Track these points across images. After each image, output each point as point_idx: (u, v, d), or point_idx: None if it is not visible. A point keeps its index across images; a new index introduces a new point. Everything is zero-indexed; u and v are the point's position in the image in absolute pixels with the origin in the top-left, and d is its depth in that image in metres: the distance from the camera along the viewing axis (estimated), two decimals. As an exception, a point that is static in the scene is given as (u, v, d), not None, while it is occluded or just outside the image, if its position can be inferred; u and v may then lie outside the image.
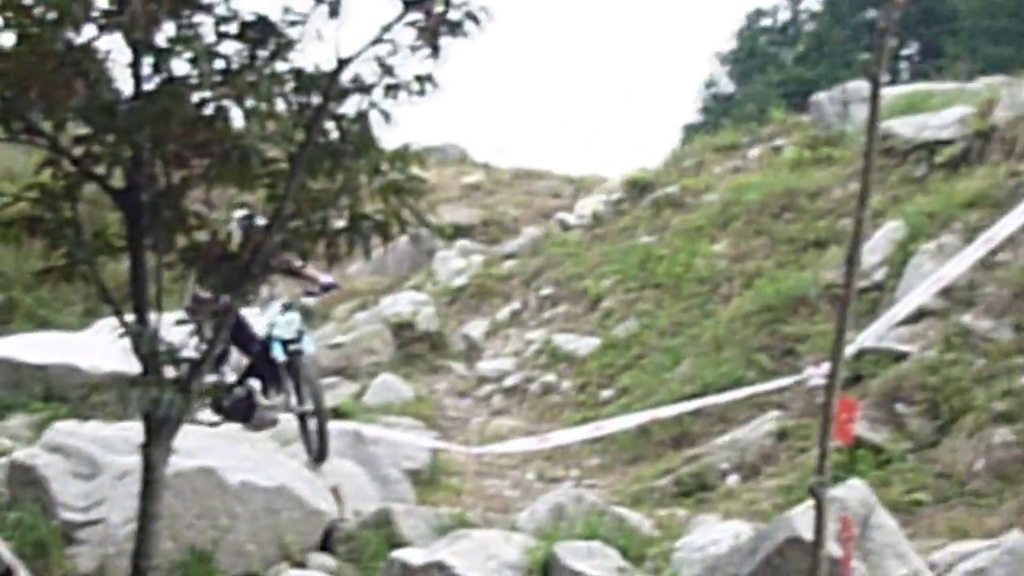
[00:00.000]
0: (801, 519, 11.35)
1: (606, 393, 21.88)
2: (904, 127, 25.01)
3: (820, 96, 29.58)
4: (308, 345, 16.88)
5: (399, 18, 9.76)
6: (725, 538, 13.71)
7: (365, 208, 10.11)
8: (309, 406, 16.41)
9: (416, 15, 9.74)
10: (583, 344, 23.33)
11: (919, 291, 19.47)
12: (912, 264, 20.80)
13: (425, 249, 27.58)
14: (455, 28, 9.74)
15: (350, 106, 9.92)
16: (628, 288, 24.40)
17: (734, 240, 24.59)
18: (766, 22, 63.05)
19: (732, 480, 18.15)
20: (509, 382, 23.11)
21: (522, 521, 15.53)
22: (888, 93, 27.13)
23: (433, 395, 22.05)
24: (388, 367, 21.94)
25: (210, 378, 16.12)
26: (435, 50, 9.75)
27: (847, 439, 14.35)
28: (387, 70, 9.85)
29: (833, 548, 10.31)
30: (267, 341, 16.49)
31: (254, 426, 16.51)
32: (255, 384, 16.43)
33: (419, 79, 9.82)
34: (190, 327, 10.12)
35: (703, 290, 23.50)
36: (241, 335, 16.69)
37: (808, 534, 10.07)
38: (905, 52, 52.80)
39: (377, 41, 9.80)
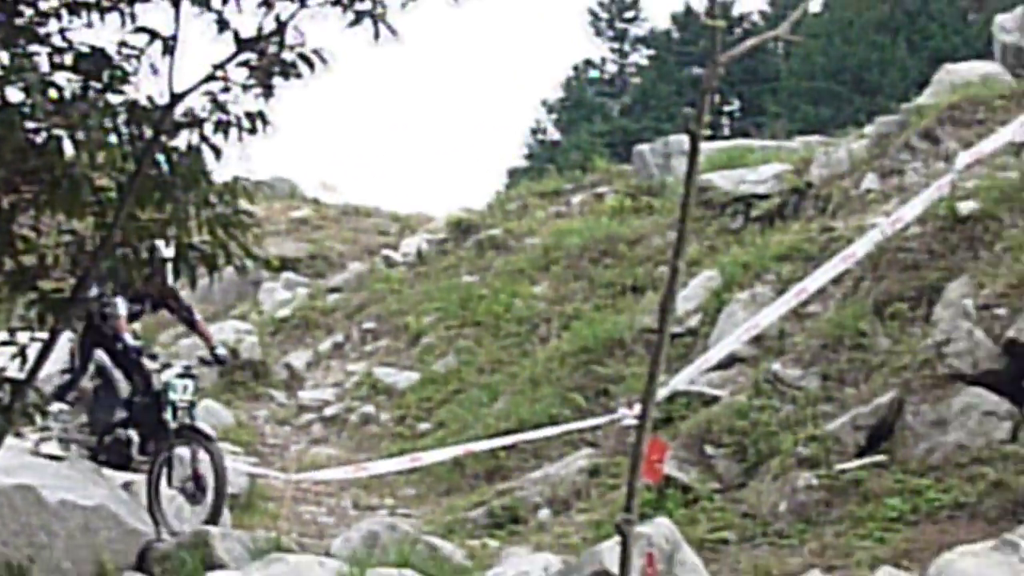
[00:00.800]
0: (609, 554, 11.46)
1: (423, 426, 21.95)
2: (723, 180, 25.36)
3: (643, 148, 29.88)
4: (198, 419, 16.74)
5: (232, 57, 9.79)
6: (534, 570, 13.77)
7: (193, 239, 10.13)
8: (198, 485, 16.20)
9: (250, 54, 9.79)
10: (403, 377, 23.39)
11: (731, 338, 19.73)
12: (726, 312, 21.07)
13: (251, 280, 27.49)
14: (288, 69, 9.79)
15: (182, 140, 9.94)
16: (449, 325, 24.48)
17: (554, 283, 24.76)
18: (593, 73, 63.36)
19: (543, 514, 18.25)
20: (329, 412, 23.11)
21: (336, 547, 15.53)
22: (708, 147, 27.49)
23: (254, 422, 22.00)
24: (210, 393, 21.79)
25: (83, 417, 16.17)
26: (267, 89, 9.79)
27: (656, 478, 14.52)
28: (219, 106, 9.87)
29: (637, 584, 10.45)
30: (159, 397, 16.29)
31: (128, 470, 16.36)
32: (133, 435, 16.22)
33: (250, 116, 9.85)
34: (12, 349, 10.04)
35: (522, 330, 23.62)
36: (125, 370, 16.64)
37: (615, 568, 10.21)
38: (727, 109, 53.46)
39: (210, 78, 9.83)
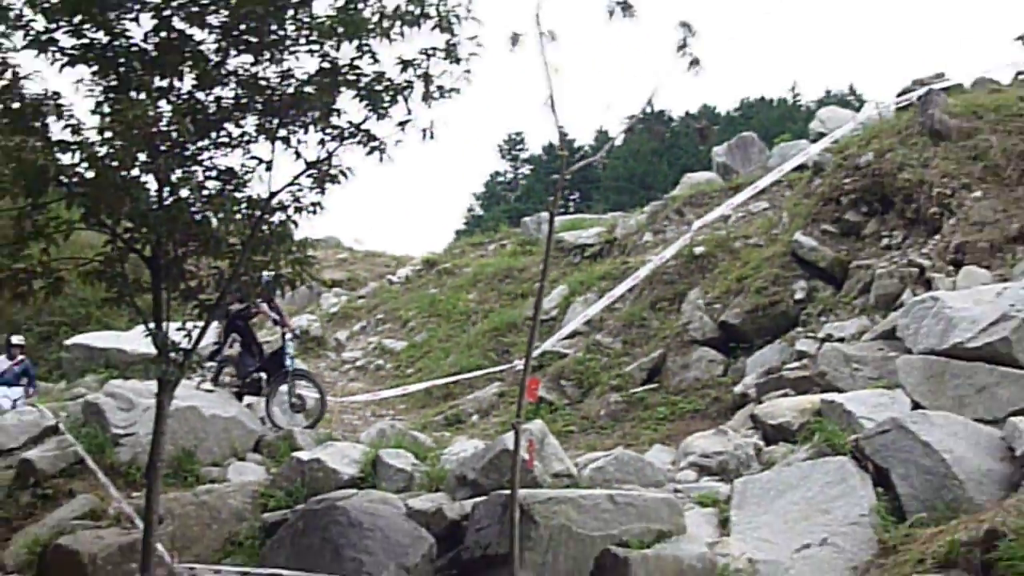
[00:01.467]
0: (509, 439, 11.40)
1: (409, 371, 21.78)
2: (570, 236, 25.33)
3: (527, 219, 29.81)
4: (299, 363, 16.70)
5: (302, 172, 9.78)
6: (470, 448, 13.73)
7: (282, 270, 10.11)
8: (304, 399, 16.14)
9: (312, 170, 9.76)
10: (398, 345, 23.19)
11: (574, 322, 19.71)
12: (571, 308, 21.03)
13: (316, 292, 27.22)
14: (334, 178, 9.77)
15: (276, 217, 9.92)
16: (423, 316, 24.30)
17: (479, 293, 24.67)
18: (500, 177, 63.36)
19: (475, 418, 18.14)
20: (359, 363, 22.87)
21: (363, 438, 15.39)
22: (561, 219, 27.52)
23: (317, 369, 21.75)
24: (294, 355, 21.59)
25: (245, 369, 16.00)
26: (322, 189, 9.77)
27: (534, 398, 14.60)
28: (296, 199, 9.85)
29: (524, 455, 10.45)
30: (281, 354, 16.05)
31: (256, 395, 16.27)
32: (264, 376, 16.10)
33: (312, 204, 9.82)
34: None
35: (462, 318, 23.49)
36: (252, 343, 16.51)
37: (511, 447, 10.16)
38: (572, 197, 53.33)
39: (291, 183, 9.81)
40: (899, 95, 21.10)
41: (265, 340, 17.97)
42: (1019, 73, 21.21)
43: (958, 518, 9.50)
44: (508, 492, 9.45)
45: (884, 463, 10.56)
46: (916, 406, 12.10)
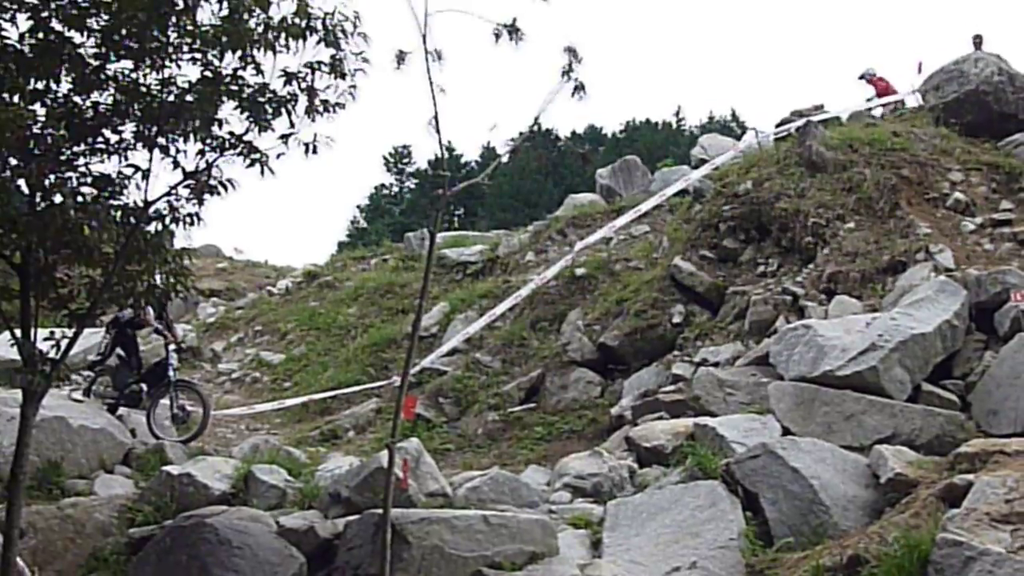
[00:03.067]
0: (384, 457, 11.33)
1: (286, 384, 21.52)
2: (452, 253, 25.32)
3: (410, 235, 29.74)
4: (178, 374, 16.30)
5: (180, 182, 9.63)
6: (345, 465, 13.63)
7: (158, 280, 9.96)
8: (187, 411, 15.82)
9: (191, 181, 9.61)
10: (276, 358, 22.91)
11: (453, 340, 19.72)
12: (451, 325, 21.04)
13: (192, 302, 26.73)
14: (213, 189, 9.63)
15: (152, 226, 9.77)
16: (302, 329, 24.05)
17: (359, 307, 24.51)
18: (385, 190, 62.95)
19: (351, 434, 17.99)
20: (235, 376, 22.54)
21: (236, 453, 15.18)
22: (444, 235, 27.56)
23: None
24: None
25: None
26: (200, 201, 9.62)
27: (410, 416, 14.58)
28: (173, 209, 9.69)
29: (399, 473, 10.42)
30: (164, 365, 15.76)
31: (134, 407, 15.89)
32: (144, 387, 15.76)
33: (190, 215, 9.68)
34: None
35: (342, 332, 23.31)
36: (134, 354, 16.16)
37: (386, 466, 10.11)
38: (457, 213, 53.38)
39: (168, 193, 9.66)
40: (778, 125, 21.65)
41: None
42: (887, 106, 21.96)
43: (823, 543, 9.71)
44: (381, 511, 9.40)
45: (754, 488, 10.76)
46: (786, 432, 12.38)
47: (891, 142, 18.35)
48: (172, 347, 15.99)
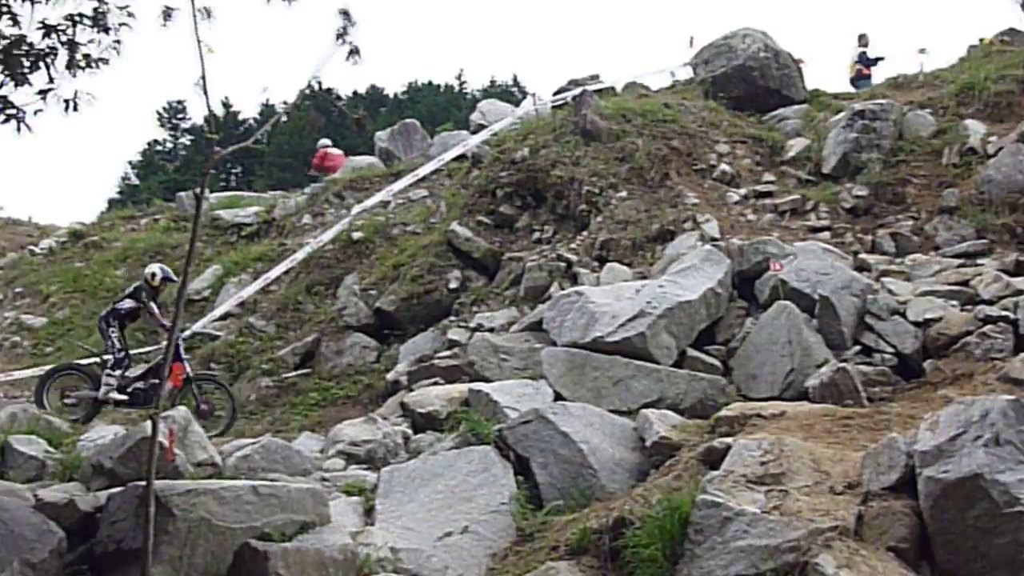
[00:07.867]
0: (148, 426, 10.97)
1: (48, 349, 20.65)
2: (227, 214, 24.70)
3: (182, 194, 28.79)
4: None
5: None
6: (109, 435, 13.13)
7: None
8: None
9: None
10: (37, 321, 21.94)
11: (227, 304, 19.30)
12: (224, 288, 20.57)
13: (-55, 262, 25.34)
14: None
15: None
16: (66, 292, 23.08)
17: (128, 269, 23.64)
18: (159, 146, 60.84)
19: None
20: (-11, 341, 21.53)
21: (-8, 423, 14.50)
22: (218, 195, 27.00)
23: (-57, 346, 20.29)
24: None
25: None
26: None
27: (178, 383, 14.24)
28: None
29: (164, 442, 10.13)
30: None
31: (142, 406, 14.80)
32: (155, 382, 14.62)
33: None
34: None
35: (109, 295, 22.41)
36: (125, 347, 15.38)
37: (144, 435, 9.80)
38: (234, 171, 52.16)
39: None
40: (555, 93, 21.94)
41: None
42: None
43: (591, 506, 9.97)
44: (145, 483, 9.11)
45: (525, 452, 10.93)
46: (558, 397, 12.63)
47: (663, 113, 18.89)
48: (178, 337, 15.07)
